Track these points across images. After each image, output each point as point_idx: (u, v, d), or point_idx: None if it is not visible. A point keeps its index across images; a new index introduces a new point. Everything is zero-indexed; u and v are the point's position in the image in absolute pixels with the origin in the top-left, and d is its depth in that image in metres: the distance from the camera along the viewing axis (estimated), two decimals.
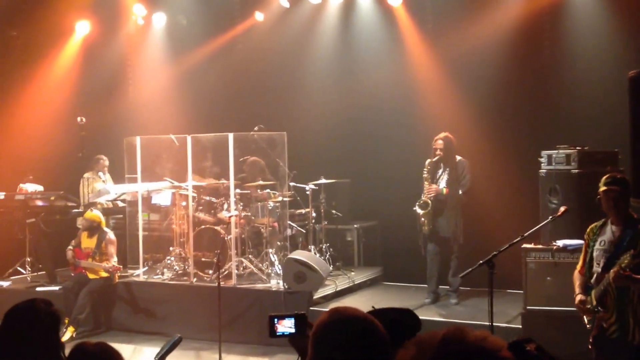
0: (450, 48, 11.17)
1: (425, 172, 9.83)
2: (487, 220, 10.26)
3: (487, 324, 6.29)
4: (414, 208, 9.82)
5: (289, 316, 3.35)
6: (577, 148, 8.48)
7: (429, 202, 9.72)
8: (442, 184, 9.79)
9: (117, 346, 3.50)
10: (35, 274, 11.83)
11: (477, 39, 10.83)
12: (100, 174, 12.10)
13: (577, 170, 8.38)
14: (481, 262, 6.20)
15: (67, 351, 3.90)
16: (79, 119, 11.36)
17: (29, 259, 11.86)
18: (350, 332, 2.60)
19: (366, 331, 2.61)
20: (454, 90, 11.11)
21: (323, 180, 11.22)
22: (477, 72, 10.96)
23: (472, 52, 10.94)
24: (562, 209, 7.16)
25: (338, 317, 2.68)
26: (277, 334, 3.33)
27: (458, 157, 9.85)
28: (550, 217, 7.37)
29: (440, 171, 9.85)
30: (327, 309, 2.85)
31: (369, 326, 2.62)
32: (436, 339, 1.74)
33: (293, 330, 3.32)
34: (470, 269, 6.52)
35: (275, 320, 3.34)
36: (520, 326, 8.32)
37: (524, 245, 8.13)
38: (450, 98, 11.10)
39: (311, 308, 9.42)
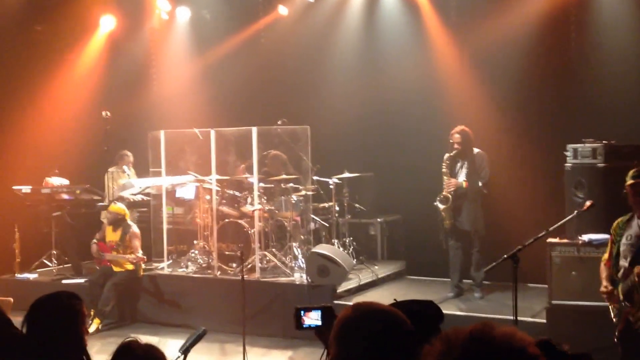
0: (475, 41, 11.10)
1: (444, 167, 9.77)
2: (510, 213, 10.20)
3: (512, 318, 6.26)
4: (435, 203, 9.78)
5: (316, 308, 3.33)
6: (604, 142, 8.40)
7: (450, 196, 9.66)
8: (462, 177, 9.74)
9: (141, 338, 3.48)
10: (61, 266, 11.94)
11: (502, 32, 10.75)
12: (125, 168, 12.16)
13: (603, 164, 8.30)
14: (505, 256, 6.16)
15: (91, 343, 3.93)
16: (103, 113, 11.41)
17: (54, 252, 11.96)
18: (374, 325, 2.55)
19: (391, 324, 2.56)
20: (478, 83, 11.05)
21: (346, 174, 11.20)
22: (501, 65, 10.87)
23: (496, 45, 10.87)
24: (588, 203, 7.11)
25: (361, 312, 2.62)
26: (304, 326, 3.31)
27: (475, 150, 9.79)
28: (576, 211, 7.32)
29: (458, 165, 9.80)
30: (351, 303, 2.83)
31: (394, 319, 2.58)
32: (463, 335, 1.72)
33: (320, 323, 3.30)
34: (494, 263, 6.48)
35: (302, 312, 3.32)
36: (545, 321, 8.27)
37: (549, 240, 8.08)
38: (474, 91, 11.04)
39: (335, 302, 9.39)
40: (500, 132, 10.60)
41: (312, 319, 3.31)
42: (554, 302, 8.22)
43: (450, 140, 9.71)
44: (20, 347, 3.81)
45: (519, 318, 6.33)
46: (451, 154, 9.73)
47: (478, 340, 1.69)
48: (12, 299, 8.36)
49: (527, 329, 1.79)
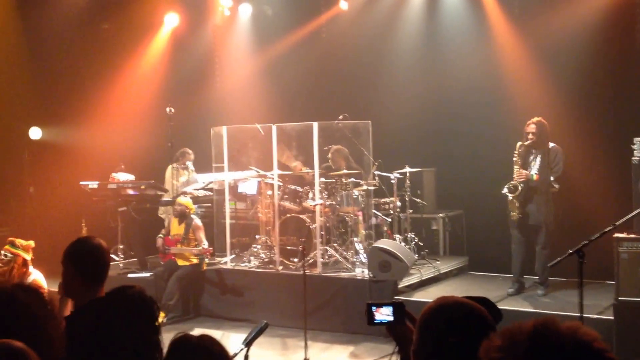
0: (538, 33, 10.94)
1: (515, 155, 9.55)
2: (577, 208, 10.04)
3: (577, 314, 6.16)
4: (503, 191, 9.56)
5: (387, 304, 3.34)
6: None
7: (519, 185, 9.44)
8: (534, 170, 9.46)
9: (205, 332, 3.45)
10: (127, 261, 12.14)
11: (566, 24, 10.58)
12: (189, 164, 12.27)
13: None
14: (571, 251, 6.07)
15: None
16: (167, 109, 11.54)
17: (120, 247, 12.16)
18: (457, 314, 2.66)
19: (472, 314, 2.66)
20: (542, 76, 10.87)
21: (408, 169, 11.16)
22: (566, 57, 10.69)
23: (560, 37, 10.69)
24: None
25: (445, 302, 2.74)
26: (375, 321, 3.33)
27: (551, 144, 9.56)
28: None
29: (531, 157, 9.54)
30: (412, 299, 2.87)
31: (474, 310, 2.68)
32: (527, 330, 1.70)
33: (391, 319, 3.31)
34: (559, 259, 6.39)
35: (373, 307, 3.34)
36: (612, 318, 8.11)
37: (616, 235, 7.91)
38: (538, 84, 10.87)
39: (396, 297, 9.37)
40: (565, 125, 10.40)
41: (384, 314, 3.32)
42: (621, 298, 8.05)
43: (525, 130, 9.49)
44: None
45: (584, 315, 6.23)
46: (525, 143, 9.49)
47: (542, 335, 1.67)
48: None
49: (594, 326, 1.75)
